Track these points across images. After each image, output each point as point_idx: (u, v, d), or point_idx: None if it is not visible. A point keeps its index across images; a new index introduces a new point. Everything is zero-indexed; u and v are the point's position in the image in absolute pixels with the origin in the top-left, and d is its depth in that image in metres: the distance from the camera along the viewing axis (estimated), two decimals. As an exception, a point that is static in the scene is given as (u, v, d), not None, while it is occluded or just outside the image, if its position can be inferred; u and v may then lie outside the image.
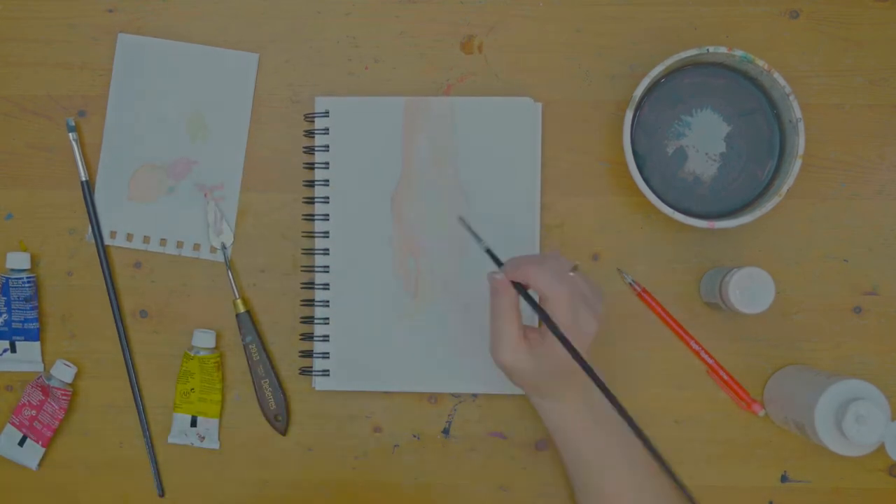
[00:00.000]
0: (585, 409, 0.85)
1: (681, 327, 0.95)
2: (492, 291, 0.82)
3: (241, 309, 0.95)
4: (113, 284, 0.96)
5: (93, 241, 0.96)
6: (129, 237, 0.96)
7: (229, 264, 0.96)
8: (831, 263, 0.95)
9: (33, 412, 0.94)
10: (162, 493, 0.96)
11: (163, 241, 0.96)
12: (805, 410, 0.85)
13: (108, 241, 0.96)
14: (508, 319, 0.82)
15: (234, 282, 0.95)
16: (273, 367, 0.95)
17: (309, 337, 0.95)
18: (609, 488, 0.85)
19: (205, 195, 0.96)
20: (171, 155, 0.96)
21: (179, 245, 0.96)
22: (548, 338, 0.81)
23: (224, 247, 0.96)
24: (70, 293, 0.97)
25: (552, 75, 0.96)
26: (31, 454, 0.95)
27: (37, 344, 0.96)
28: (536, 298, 0.82)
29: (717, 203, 0.92)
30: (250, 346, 0.95)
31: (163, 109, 0.96)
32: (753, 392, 0.95)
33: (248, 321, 0.95)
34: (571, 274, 0.82)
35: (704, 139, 0.92)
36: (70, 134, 0.96)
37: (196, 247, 0.96)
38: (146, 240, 0.96)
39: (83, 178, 0.96)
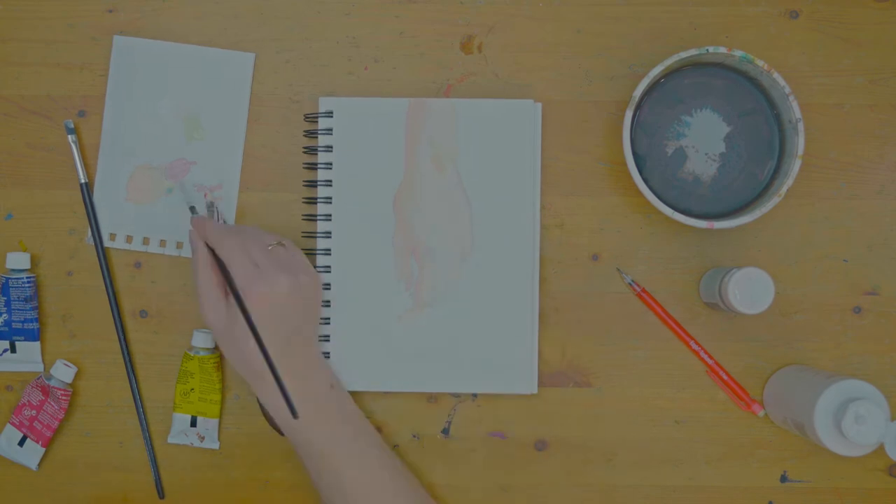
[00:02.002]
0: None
1: (681, 327, 0.95)
2: (191, 247, 0.87)
3: (241, 309, 0.95)
4: (113, 285, 0.96)
5: (92, 243, 0.96)
6: (129, 239, 0.96)
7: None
8: (831, 263, 0.95)
9: (33, 412, 0.94)
10: (162, 494, 0.96)
11: (162, 243, 0.96)
12: (805, 410, 0.85)
13: (108, 243, 0.96)
14: (205, 277, 0.85)
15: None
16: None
17: (309, 337, 0.95)
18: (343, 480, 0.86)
19: (205, 195, 0.96)
20: (168, 156, 0.96)
21: (179, 246, 0.96)
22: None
23: (224, 247, 0.96)
24: (70, 293, 0.97)
25: (552, 75, 0.96)
26: (31, 454, 0.95)
27: (37, 344, 0.96)
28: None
29: (716, 203, 0.92)
30: (250, 346, 0.95)
31: (159, 110, 0.96)
32: (753, 392, 0.95)
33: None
34: (270, 248, 0.86)
35: (704, 139, 0.92)
36: (69, 136, 0.96)
37: (196, 247, 0.96)
38: (146, 241, 0.96)
39: (82, 181, 0.96)
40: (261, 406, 0.95)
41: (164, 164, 0.96)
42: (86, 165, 0.96)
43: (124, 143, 0.96)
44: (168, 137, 0.96)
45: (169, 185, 0.96)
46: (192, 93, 0.96)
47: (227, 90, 0.96)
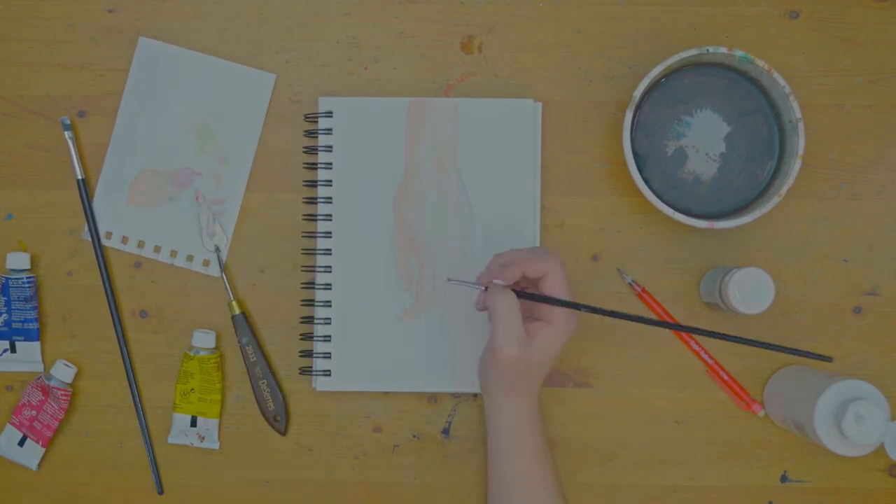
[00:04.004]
0: (534, 412, 0.88)
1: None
2: (492, 301, 0.85)
3: (237, 311, 0.95)
4: (111, 284, 0.96)
5: (88, 238, 0.96)
6: (125, 240, 0.96)
7: (223, 267, 0.96)
8: (831, 263, 0.95)
9: (33, 412, 0.94)
10: (162, 493, 0.96)
11: (157, 248, 0.96)
12: (805, 410, 0.85)
13: (104, 241, 0.96)
14: (514, 316, 0.84)
15: (230, 284, 0.95)
16: (271, 368, 0.95)
17: (309, 337, 0.95)
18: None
19: (196, 198, 0.96)
20: (175, 164, 0.96)
21: (173, 255, 0.96)
22: (546, 326, 0.85)
23: (217, 249, 0.96)
24: (70, 293, 0.97)
25: (552, 75, 0.96)
26: (31, 454, 0.95)
27: (37, 344, 0.96)
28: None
29: (717, 203, 0.93)
30: (246, 348, 0.95)
31: (174, 118, 0.96)
32: (753, 392, 0.95)
33: (244, 323, 0.95)
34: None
35: (704, 139, 0.92)
36: (66, 132, 0.96)
37: (189, 258, 0.96)
38: (141, 244, 0.96)
39: (79, 177, 0.96)
40: (260, 406, 0.95)
41: (171, 171, 0.96)
42: (85, 165, 0.96)
43: (134, 144, 0.96)
44: (178, 146, 0.96)
45: (172, 193, 0.96)
46: (210, 105, 0.96)
47: (244, 107, 0.96)
